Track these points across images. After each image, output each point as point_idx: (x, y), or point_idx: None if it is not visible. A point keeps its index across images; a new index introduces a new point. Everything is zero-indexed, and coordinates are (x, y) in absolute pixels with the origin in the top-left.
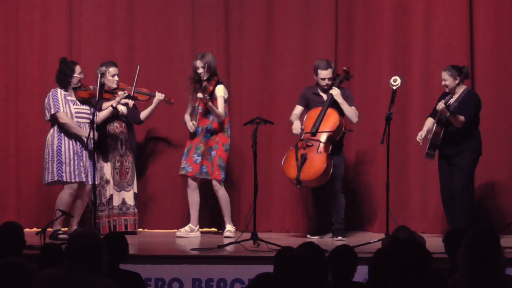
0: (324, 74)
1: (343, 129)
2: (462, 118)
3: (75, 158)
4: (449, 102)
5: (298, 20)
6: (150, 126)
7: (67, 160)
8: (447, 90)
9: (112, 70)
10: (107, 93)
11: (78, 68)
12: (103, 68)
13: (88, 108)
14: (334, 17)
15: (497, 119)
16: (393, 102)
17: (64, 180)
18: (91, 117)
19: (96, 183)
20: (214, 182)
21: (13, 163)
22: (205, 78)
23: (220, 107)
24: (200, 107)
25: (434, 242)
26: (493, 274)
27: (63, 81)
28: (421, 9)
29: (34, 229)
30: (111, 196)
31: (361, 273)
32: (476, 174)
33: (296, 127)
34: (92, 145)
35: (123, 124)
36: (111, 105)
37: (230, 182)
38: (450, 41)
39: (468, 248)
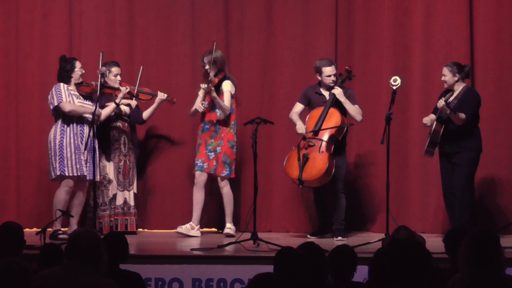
0: (329, 70)
1: (346, 130)
2: (462, 115)
3: (76, 152)
4: (449, 100)
5: (298, 20)
6: (150, 126)
7: (69, 155)
8: (445, 86)
9: (115, 70)
10: (108, 88)
11: (78, 63)
12: (103, 68)
13: (91, 103)
14: (334, 17)
15: (497, 118)
16: (393, 102)
17: (67, 174)
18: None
19: (97, 180)
20: (219, 179)
21: (13, 162)
22: (212, 74)
23: (226, 101)
24: (207, 103)
25: (434, 242)
26: (493, 274)
27: (65, 77)
28: (421, 9)
29: (34, 229)
30: (114, 195)
31: (361, 273)
32: (476, 174)
33: (301, 126)
34: (91, 141)
35: (126, 124)
36: (114, 102)
37: (230, 182)
38: (450, 41)
39: (468, 248)
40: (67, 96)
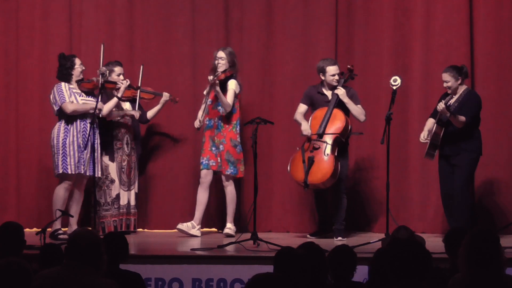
0: (333, 69)
1: (350, 130)
2: (462, 118)
3: (79, 150)
4: (449, 103)
5: (298, 20)
6: (150, 125)
7: (71, 153)
8: (449, 91)
9: (118, 69)
10: (109, 83)
11: (78, 60)
12: (103, 68)
13: (94, 99)
14: (334, 17)
15: (497, 119)
16: (393, 102)
17: (69, 172)
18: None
19: (98, 175)
20: (224, 178)
21: (13, 163)
22: (220, 69)
23: (229, 98)
24: (210, 100)
25: (434, 242)
26: (493, 274)
27: (65, 75)
28: (421, 9)
29: (34, 229)
30: (117, 195)
31: (361, 273)
32: (476, 174)
33: (306, 128)
34: (91, 138)
35: (129, 124)
36: (116, 96)
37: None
38: (450, 41)
39: (468, 248)
40: (69, 96)
